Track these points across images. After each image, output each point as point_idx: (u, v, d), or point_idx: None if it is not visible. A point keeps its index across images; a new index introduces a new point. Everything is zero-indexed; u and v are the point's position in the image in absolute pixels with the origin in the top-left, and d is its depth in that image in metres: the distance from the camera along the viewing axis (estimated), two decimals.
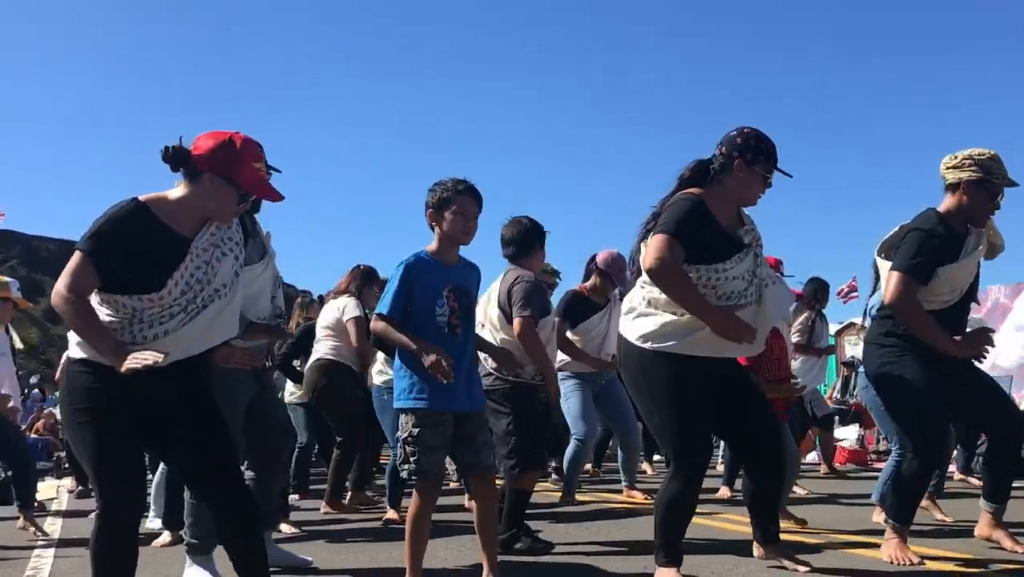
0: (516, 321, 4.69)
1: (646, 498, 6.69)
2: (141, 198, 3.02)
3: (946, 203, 4.26)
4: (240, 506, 3.06)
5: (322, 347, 6.65)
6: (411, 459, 3.60)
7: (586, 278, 6.55)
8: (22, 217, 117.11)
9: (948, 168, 4.26)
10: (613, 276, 6.37)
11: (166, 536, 5.30)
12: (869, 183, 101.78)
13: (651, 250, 3.60)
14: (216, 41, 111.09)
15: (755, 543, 4.14)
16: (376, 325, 3.67)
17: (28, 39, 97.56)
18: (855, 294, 15.00)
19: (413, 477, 3.64)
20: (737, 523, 5.37)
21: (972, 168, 4.19)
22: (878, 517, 5.27)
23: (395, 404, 3.70)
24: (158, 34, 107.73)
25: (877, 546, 4.37)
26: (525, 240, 4.91)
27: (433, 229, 3.77)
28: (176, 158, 3.03)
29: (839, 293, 15.11)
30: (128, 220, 2.94)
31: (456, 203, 3.69)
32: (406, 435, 3.62)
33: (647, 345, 3.73)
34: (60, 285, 2.88)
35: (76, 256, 2.89)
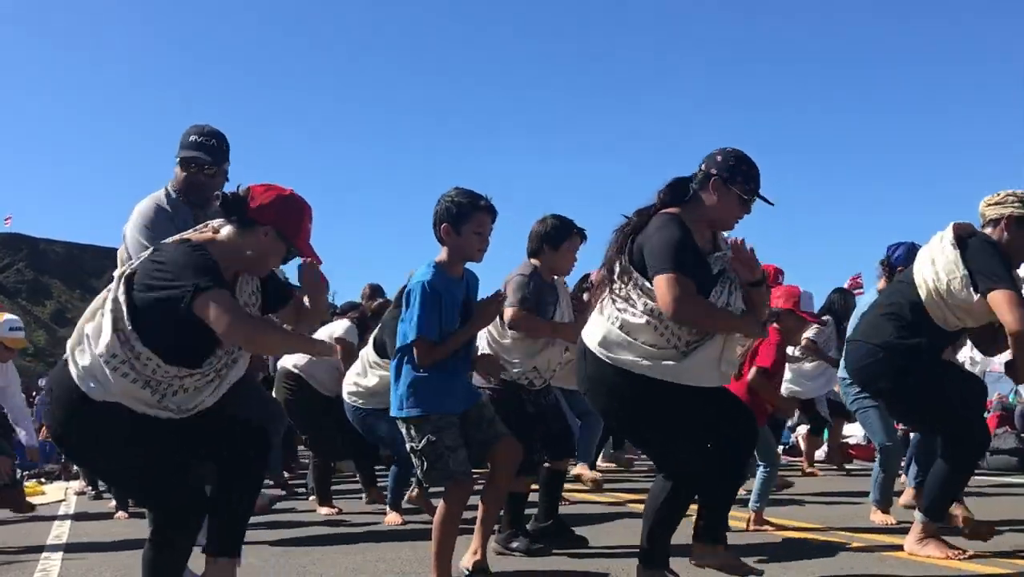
0: (507, 311, 4.35)
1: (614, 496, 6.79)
2: (196, 240, 2.94)
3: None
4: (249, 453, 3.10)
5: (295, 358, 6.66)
6: (436, 465, 3.50)
7: (578, 295, 6.14)
8: (29, 220, 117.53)
9: (989, 205, 4.20)
10: None
11: (121, 514, 6.68)
12: (871, 181, 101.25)
13: (665, 294, 3.29)
14: (220, 40, 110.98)
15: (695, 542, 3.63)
16: (425, 348, 3.52)
17: (31, 40, 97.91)
18: (860, 290, 15.01)
19: (442, 482, 3.55)
20: (737, 519, 5.37)
21: (1016, 204, 4.13)
22: (875, 517, 5.36)
23: (399, 414, 3.59)
24: (164, 36, 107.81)
25: (879, 543, 4.36)
26: (532, 239, 4.65)
27: (443, 242, 3.63)
28: (234, 205, 2.97)
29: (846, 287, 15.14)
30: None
31: (474, 220, 3.55)
32: (423, 444, 3.52)
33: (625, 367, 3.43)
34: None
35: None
